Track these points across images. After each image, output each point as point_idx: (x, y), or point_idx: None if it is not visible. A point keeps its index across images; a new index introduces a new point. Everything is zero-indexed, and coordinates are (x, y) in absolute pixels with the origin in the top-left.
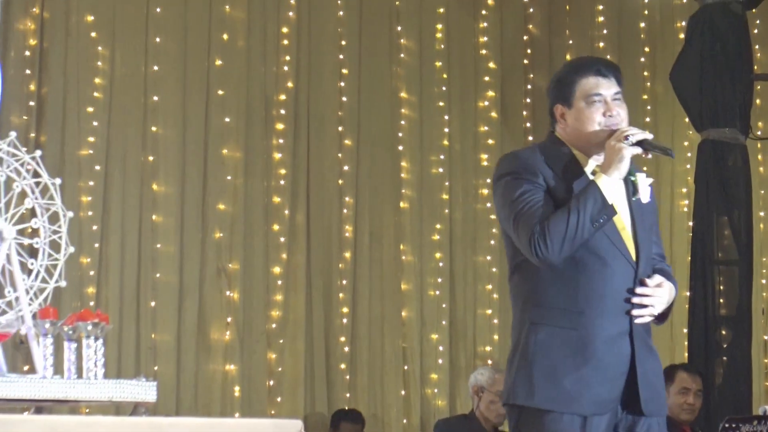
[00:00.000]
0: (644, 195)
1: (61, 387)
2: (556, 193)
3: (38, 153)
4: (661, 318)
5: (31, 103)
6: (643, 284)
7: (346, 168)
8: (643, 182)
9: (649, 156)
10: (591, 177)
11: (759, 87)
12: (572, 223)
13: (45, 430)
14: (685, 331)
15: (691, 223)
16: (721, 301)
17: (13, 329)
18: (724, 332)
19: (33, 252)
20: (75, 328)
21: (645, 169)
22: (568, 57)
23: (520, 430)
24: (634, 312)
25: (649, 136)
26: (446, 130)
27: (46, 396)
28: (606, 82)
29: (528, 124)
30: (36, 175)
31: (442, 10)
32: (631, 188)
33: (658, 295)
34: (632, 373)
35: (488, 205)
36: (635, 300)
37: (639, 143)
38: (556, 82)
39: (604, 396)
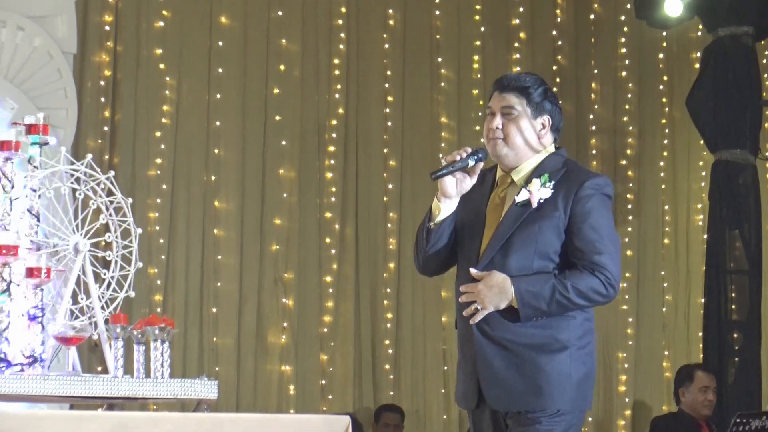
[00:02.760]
0: (533, 199)
1: (131, 386)
2: (463, 203)
3: (112, 174)
4: (520, 314)
5: (105, 129)
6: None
7: (390, 186)
8: (533, 188)
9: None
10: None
11: (767, 112)
12: (418, 234)
13: (116, 425)
14: (701, 334)
15: (705, 236)
16: (733, 307)
17: (87, 333)
18: (735, 335)
19: (105, 264)
20: (143, 332)
21: (663, 187)
22: (593, 85)
23: None
24: (464, 312)
25: (457, 156)
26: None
27: (117, 394)
28: (500, 95)
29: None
30: (110, 194)
31: (478, 42)
32: (516, 192)
33: (472, 290)
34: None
35: None
36: (459, 298)
37: (438, 170)
38: None
39: (463, 392)
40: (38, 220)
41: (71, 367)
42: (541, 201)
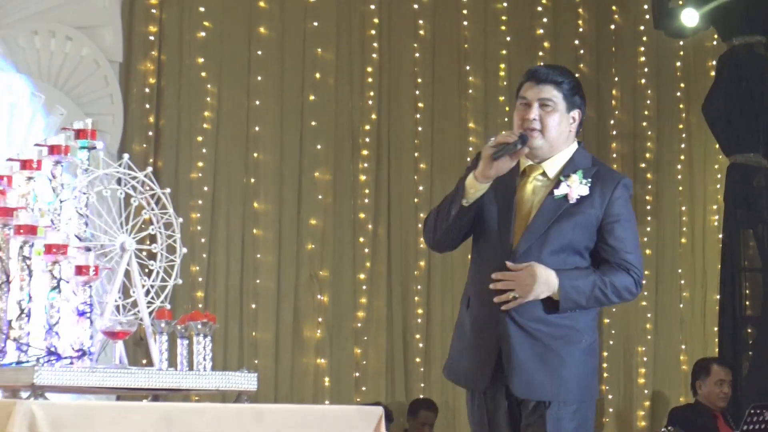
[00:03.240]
0: (571, 195)
1: (175, 378)
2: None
3: (149, 170)
4: (559, 305)
5: (150, 133)
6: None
7: (421, 188)
8: (573, 184)
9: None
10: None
11: None
12: (441, 210)
13: (161, 415)
14: (716, 329)
15: (720, 236)
16: (747, 303)
17: (133, 328)
18: (749, 330)
19: (151, 256)
20: (187, 327)
21: (680, 189)
22: (614, 92)
23: None
24: (496, 299)
25: (509, 140)
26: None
27: (161, 386)
28: (535, 87)
29: None
30: (163, 206)
31: (504, 52)
32: (553, 185)
33: (512, 278)
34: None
35: None
36: (491, 285)
37: (497, 150)
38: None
39: (472, 373)
40: (86, 221)
41: (118, 360)
42: (579, 197)
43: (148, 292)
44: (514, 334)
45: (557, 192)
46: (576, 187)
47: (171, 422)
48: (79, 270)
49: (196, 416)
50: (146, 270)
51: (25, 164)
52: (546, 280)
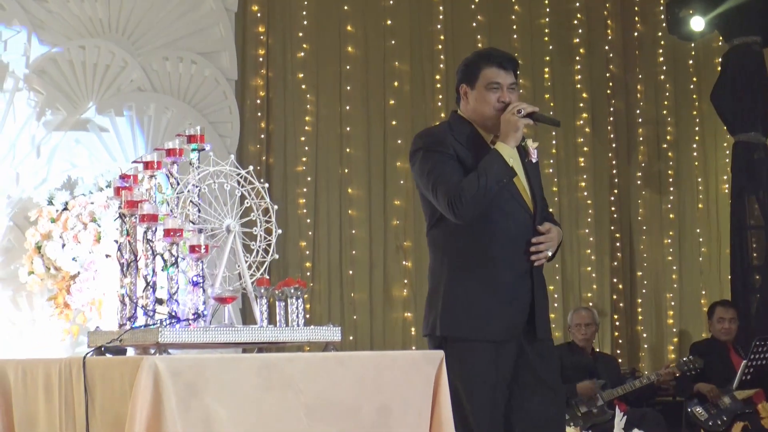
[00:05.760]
0: (533, 157)
1: (273, 332)
2: (464, 162)
3: (266, 185)
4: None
5: (262, 136)
6: (538, 233)
7: None
8: (532, 146)
9: (537, 125)
10: (492, 147)
11: None
12: (481, 185)
13: (261, 363)
14: (729, 277)
15: (730, 201)
16: (754, 254)
17: (238, 294)
18: (756, 277)
19: (249, 251)
20: (282, 292)
21: (696, 164)
22: (639, 87)
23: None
24: (533, 257)
25: (536, 109)
26: (554, 142)
27: (262, 340)
28: (504, 73)
29: (612, 135)
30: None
31: (547, 58)
32: (523, 153)
33: (549, 239)
34: (532, 304)
35: (585, 193)
36: (533, 248)
37: (529, 115)
38: (464, 66)
39: (512, 324)
40: (198, 209)
41: (227, 320)
42: (536, 159)
43: (249, 267)
44: (537, 284)
45: (529, 158)
46: (534, 151)
47: (270, 369)
48: (192, 249)
49: (290, 363)
50: (249, 251)
51: (147, 165)
52: (560, 237)
